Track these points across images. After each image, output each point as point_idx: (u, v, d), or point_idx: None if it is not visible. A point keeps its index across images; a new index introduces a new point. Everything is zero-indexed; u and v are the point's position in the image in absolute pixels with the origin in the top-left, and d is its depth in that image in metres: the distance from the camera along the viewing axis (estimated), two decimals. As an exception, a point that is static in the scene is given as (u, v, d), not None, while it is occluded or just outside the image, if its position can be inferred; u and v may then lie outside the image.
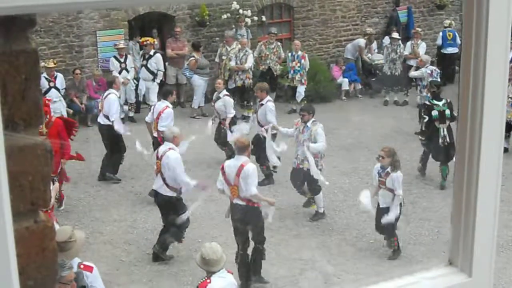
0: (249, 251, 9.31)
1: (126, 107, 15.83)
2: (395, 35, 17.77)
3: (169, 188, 9.88)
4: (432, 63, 16.89)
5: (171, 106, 12.13)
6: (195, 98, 16.51)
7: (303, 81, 16.76)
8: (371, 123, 15.73)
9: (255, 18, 17.68)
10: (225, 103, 13.17)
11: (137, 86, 16.25)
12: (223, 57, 16.51)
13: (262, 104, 12.49)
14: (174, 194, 9.90)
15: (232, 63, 16.33)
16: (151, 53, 16.03)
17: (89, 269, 6.87)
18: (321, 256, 10.09)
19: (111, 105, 12.36)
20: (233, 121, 13.36)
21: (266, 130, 11.80)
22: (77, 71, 15.74)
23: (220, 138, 13.02)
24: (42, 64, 13.93)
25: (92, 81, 15.95)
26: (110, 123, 12.37)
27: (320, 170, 11.02)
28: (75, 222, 10.82)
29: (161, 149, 10.10)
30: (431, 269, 1.47)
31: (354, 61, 18.66)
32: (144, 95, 16.40)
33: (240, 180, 9.09)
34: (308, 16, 18.73)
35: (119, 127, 12.19)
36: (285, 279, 9.51)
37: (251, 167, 9.20)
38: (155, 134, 11.82)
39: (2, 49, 1.01)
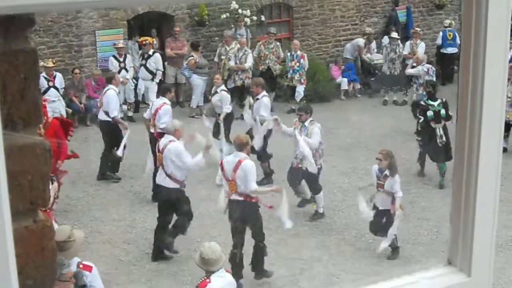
0: (244, 250, 9.29)
1: (125, 107, 15.82)
2: (394, 34, 17.78)
3: (172, 180, 9.89)
4: (431, 63, 16.90)
5: (169, 103, 12.14)
6: (193, 97, 16.51)
7: (302, 80, 16.76)
8: (370, 123, 15.74)
9: (254, 17, 17.68)
10: (222, 98, 13.35)
11: (136, 85, 16.26)
12: (222, 57, 16.51)
13: (257, 99, 12.55)
14: (177, 186, 9.92)
15: (231, 63, 16.35)
16: (150, 52, 16.02)
17: (88, 268, 6.87)
18: (320, 256, 10.10)
19: (110, 101, 12.40)
20: (230, 118, 13.44)
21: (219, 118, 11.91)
22: (76, 71, 15.73)
23: (218, 133, 13.09)
24: (41, 63, 13.93)
25: (91, 80, 15.94)
26: (109, 119, 12.39)
27: (319, 169, 11.04)
28: (74, 222, 10.82)
29: (162, 142, 10.14)
30: (430, 269, 1.47)
31: (353, 61, 18.66)
32: (143, 95, 16.40)
33: (237, 176, 9.12)
34: (307, 15, 18.73)
35: (120, 151, 12.18)
36: (285, 279, 9.51)
37: (249, 163, 9.22)
38: (152, 130, 11.85)
39: (1, 49, 1.01)
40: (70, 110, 15.21)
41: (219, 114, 13.30)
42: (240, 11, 17.25)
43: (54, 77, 14.78)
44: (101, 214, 11.37)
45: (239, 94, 16.16)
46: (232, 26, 17.30)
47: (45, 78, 14.40)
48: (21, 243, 1.02)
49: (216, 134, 13.12)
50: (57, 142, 10.08)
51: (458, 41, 18.44)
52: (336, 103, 17.62)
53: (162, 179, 9.99)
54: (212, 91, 13.86)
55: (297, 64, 16.67)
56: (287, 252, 10.14)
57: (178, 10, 17.10)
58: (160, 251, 9.93)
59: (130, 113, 16.01)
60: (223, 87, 13.84)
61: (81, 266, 6.81)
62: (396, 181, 9.94)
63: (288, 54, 16.81)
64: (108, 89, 12.58)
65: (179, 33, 16.85)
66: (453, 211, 1.45)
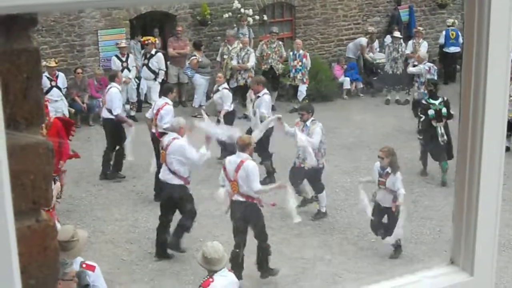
0: (245, 251, 9.28)
1: (127, 106, 15.84)
2: (397, 34, 17.77)
3: (176, 177, 9.90)
4: (433, 62, 16.88)
5: (170, 103, 12.14)
6: (196, 97, 16.52)
7: (304, 80, 16.77)
8: (373, 122, 15.73)
9: (257, 17, 17.68)
10: (223, 95, 13.45)
11: (138, 85, 16.27)
12: (225, 56, 16.52)
13: (258, 97, 12.57)
14: (182, 183, 9.93)
15: (234, 62, 16.36)
16: (153, 52, 16.03)
17: (91, 268, 6.87)
18: (323, 255, 10.10)
19: (113, 98, 12.43)
20: (231, 117, 13.46)
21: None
22: (79, 70, 15.75)
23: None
24: (44, 63, 13.95)
25: (94, 80, 15.96)
26: (113, 116, 12.41)
27: (321, 168, 11.05)
28: (77, 221, 10.82)
29: (166, 139, 10.17)
30: (432, 268, 1.47)
31: (356, 60, 18.65)
32: (145, 94, 16.42)
33: (239, 176, 9.12)
34: (309, 15, 18.72)
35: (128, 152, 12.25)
36: (287, 278, 9.51)
37: (250, 164, 9.23)
38: (154, 130, 11.85)
39: (3, 48, 1.01)
40: (72, 110, 15.22)
41: (219, 112, 13.40)
42: (242, 10, 17.25)
43: (57, 76, 14.79)
44: (103, 213, 11.38)
45: (242, 93, 16.15)
46: (235, 25, 17.31)
47: (48, 77, 14.41)
48: (23, 243, 1.02)
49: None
50: (58, 141, 10.08)
51: (460, 40, 18.40)
52: (339, 102, 17.62)
53: (166, 176, 10.01)
54: (214, 89, 13.99)
55: (300, 63, 16.68)
56: (289, 252, 10.14)
57: (181, 9, 17.10)
58: (163, 249, 9.94)
59: (132, 113, 16.01)
60: (225, 85, 13.94)
61: (84, 265, 6.81)
62: (398, 178, 9.93)
63: (291, 53, 16.81)
64: (111, 87, 12.61)
65: (181, 33, 16.86)
66: (456, 210, 1.45)
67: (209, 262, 7.31)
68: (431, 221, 11.03)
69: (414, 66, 16.13)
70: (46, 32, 15.55)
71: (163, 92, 12.61)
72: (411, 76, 16.63)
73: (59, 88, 14.78)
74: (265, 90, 12.90)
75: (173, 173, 9.92)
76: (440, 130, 12.33)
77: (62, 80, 14.99)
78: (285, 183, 9.94)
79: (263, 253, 9.31)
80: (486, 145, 1.36)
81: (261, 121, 11.79)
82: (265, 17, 18.06)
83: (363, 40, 18.56)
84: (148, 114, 12.35)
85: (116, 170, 12.66)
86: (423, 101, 12.95)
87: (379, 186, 10.08)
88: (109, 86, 12.75)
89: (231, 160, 9.42)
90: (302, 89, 16.72)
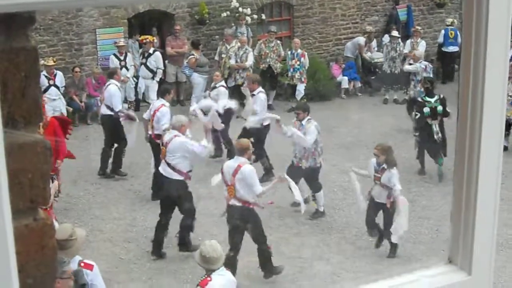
0: (243, 252, 9.26)
1: (125, 105, 15.81)
2: (395, 33, 17.76)
3: (176, 172, 9.91)
4: (431, 61, 16.89)
5: (167, 104, 12.05)
6: (194, 96, 16.51)
7: (302, 79, 16.77)
8: (371, 121, 15.73)
9: (255, 16, 17.68)
10: (219, 93, 13.48)
11: (136, 84, 16.26)
12: (223, 55, 16.51)
13: (253, 95, 12.54)
14: (182, 178, 9.94)
15: (232, 61, 16.35)
16: (151, 51, 16.03)
17: (90, 267, 6.86)
18: (321, 255, 10.10)
19: (113, 95, 12.41)
20: (229, 114, 13.42)
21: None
22: (77, 69, 15.74)
23: None
24: (42, 62, 13.93)
25: (92, 79, 15.95)
26: (111, 113, 12.39)
27: (318, 167, 11.05)
28: (75, 220, 10.82)
29: (167, 136, 10.18)
30: (430, 267, 1.47)
31: (354, 59, 18.65)
32: (143, 93, 16.41)
33: (236, 181, 9.11)
34: (307, 14, 18.72)
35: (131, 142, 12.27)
36: (285, 277, 9.51)
37: (248, 168, 9.21)
38: (150, 132, 11.83)
39: (2, 47, 1.01)
40: (70, 109, 15.21)
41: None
42: (240, 9, 17.24)
43: (55, 75, 14.78)
44: (101, 212, 11.38)
45: (240, 92, 16.13)
46: (233, 24, 17.30)
47: (46, 76, 14.40)
48: (21, 241, 1.02)
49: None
50: (55, 140, 10.08)
51: (459, 39, 18.42)
52: (337, 101, 17.61)
53: (166, 171, 10.01)
54: (211, 87, 14.05)
55: (298, 62, 16.67)
56: (288, 251, 10.14)
57: (179, 8, 17.09)
58: (158, 248, 9.93)
59: (130, 112, 15.98)
60: (222, 83, 13.99)
61: (82, 264, 6.81)
62: (394, 174, 9.89)
63: (289, 52, 16.81)
64: (110, 84, 12.59)
65: (179, 32, 16.85)
66: (454, 209, 1.45)
67: (207, 261, 7.31)
68: (429, 220, 11.04)
69: (409, 64, 16.16)
70: (44, 31, 15.54)
71: (161, 94, 12.53)
72: (409, 76, 16.65)
73: (57, 87, 14.77)
74: (261, 89, 12.89)
75: (173, 168, 9.92)
76: (435, 127, 12.34)
77: (60, 78, 14.98)
78: (282, 175, 9.88)
79: (264, 255, 9.29)
80: (484, 145, 1.36)
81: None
82: (263, 16, 18.06)
83: (361, 39, 18.57)
84: (146, 115, 12.31)
85: (117, 167, 12.64)
86: (419, 99, 12.98)
87: (375, 182, 10.09)
88: (107, 83, 12.73)
89: (229, 164, 9.42)
90: (300, 88, 16.72)
